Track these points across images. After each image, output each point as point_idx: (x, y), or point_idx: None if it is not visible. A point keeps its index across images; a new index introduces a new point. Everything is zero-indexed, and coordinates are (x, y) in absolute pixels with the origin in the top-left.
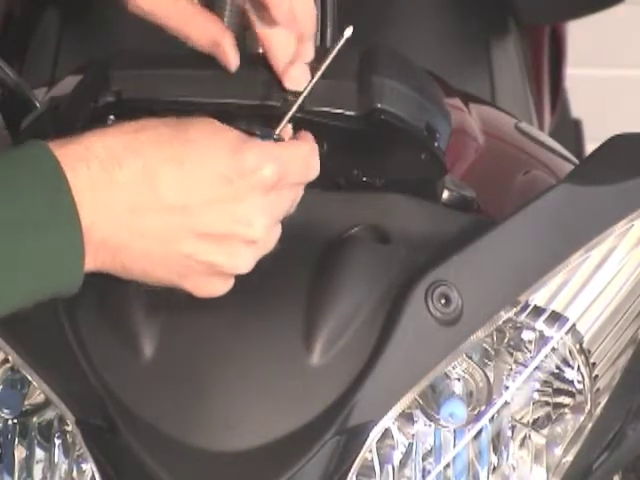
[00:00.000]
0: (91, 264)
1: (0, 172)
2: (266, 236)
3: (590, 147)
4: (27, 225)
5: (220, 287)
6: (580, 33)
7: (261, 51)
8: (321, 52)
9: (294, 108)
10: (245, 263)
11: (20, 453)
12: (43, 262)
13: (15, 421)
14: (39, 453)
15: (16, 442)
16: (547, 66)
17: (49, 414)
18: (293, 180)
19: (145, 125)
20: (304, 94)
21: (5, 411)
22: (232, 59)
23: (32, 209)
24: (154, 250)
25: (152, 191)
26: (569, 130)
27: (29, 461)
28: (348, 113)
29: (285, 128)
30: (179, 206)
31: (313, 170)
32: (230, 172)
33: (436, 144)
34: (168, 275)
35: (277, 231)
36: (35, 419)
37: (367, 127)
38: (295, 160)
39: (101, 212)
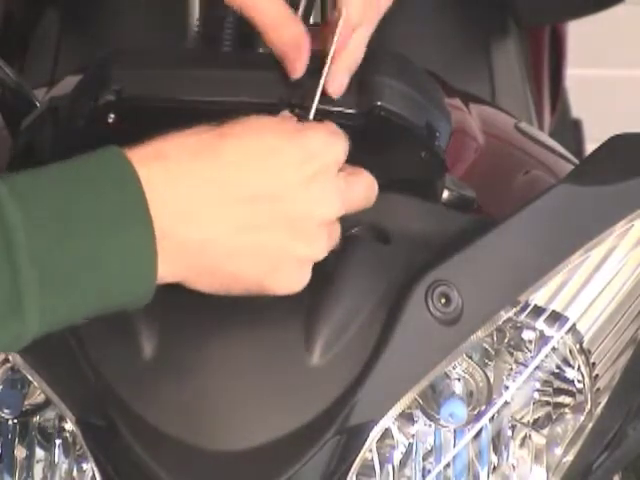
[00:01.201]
0: (169, 270)
1: (68, 172)
2: (330, 236)
3: (590, 147)
4: (94, 225)
5: (304, 278)
6: (580, 33)
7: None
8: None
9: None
10: (324, 249)
11: (20, 453)
12: (108, 265)
13: (15, 421)
14: (39, 453)
15: (16, 442)
16: (547, 66)
17: (49, 414)
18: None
19: (208, 127)
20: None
21: (5, 411)
22: (302, 66)
23: (100, 208)
24: (244, 243)
25: (231, 182)
26: (569, 130)
27: (29, 461)
28: (348, 111)
29: None
30: (258, 194)
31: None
32: (299, 156)
33: (436, 143)
34: (257, 273)
35: (334, 240)
36: (35, 419)
37: (367, 125)
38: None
39: (180, 207)
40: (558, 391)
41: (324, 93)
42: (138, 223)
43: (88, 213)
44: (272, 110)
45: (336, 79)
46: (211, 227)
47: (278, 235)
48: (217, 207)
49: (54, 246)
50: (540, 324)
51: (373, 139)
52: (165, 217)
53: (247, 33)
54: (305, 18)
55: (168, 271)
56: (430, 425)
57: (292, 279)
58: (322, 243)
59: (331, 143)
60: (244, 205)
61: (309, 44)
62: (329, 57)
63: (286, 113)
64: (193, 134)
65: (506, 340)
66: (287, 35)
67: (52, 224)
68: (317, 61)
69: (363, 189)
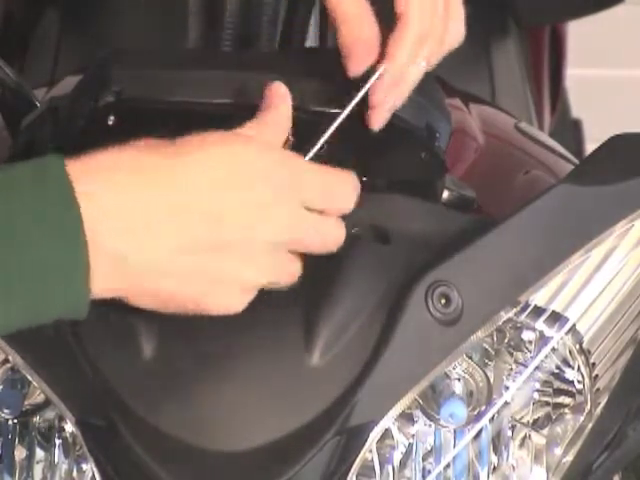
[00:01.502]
0: (103, 287)
1: (10, 177)
2: (281, 263)
3: (590, 147)
4: (25, 234)
5: (245, 299)
6: (580, 33)
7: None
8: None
9: (325, 136)
10: (266, 274)
11: (20, 453)
12: (39, 277)
13: (15, 421)
14: (39, 453)
15: (16, 442)
16: (547, 66)
17: (49, 414)
18: (315, 204)
19: (162, 143)
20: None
21: (5, 411)
22: (363, 66)
23: (33, 218)
24: (182, 265)
25: (177, 200)
26: (569, 130)
27: (29, 461)
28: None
29: None
30: (203, 213)
31: (347, 203)
32: (252, 178)
33: (436, 144)
34: (194, 293)
35: (293, 266)
36: (35, 419)
37: (367, 126)
38: (337, 182)
39: (119, 220)
40: (558, 391)
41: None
42: (71, 235)
43: (20, 222)
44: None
45: (380, 119)
46: (150, 247)
47: (217, 257)
48: (158, 227)
49: None
50: (540, 324)
51: (373, 140)
52: (104, 232)
53: (247, 33)
54: (303, 26)
55: (105, 287)
56: (430, 425)
57: (231, 301)
58: (267, 268)
59: (287, 166)
60: (186, 226)
61: (377, 50)
62: (361, 92)
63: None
64: (144, 149)
65: (506, 340)
66: (361, 33)
67: None
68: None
69: (329, 229)
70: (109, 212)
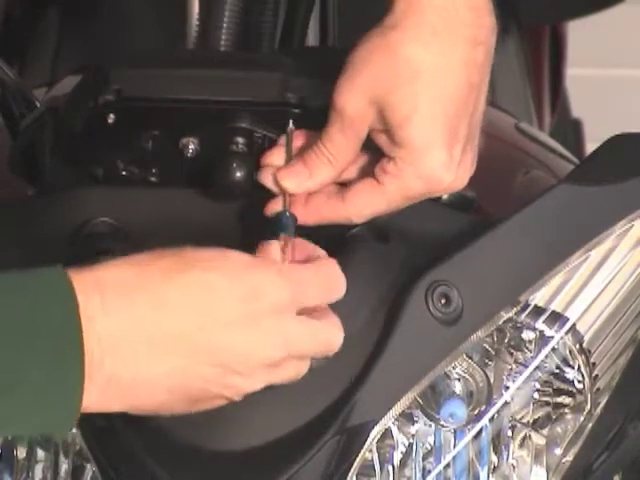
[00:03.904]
0: (96, 401)
1: (13, 286)
2: (285, 365)
3: (590, 147)
4: (25, 346)
5: (224, 402)
6: (580, 33)
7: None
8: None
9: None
10: (253, 387)
11: (20, 453)
12: (31, 385)
13: None
14: (39, 453)
15: (16, 442)
16: (547, 66)
17: None
18: (311, 302)
19: (153, 256)
20: None
21: None
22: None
23: (37, 328)
24: (173, 381)
25: (168, 320)
26: (569, 130)
27: (29, 461)
28: None
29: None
30: (195, 331)
31: (337, 290)
32: (242, 295)
33: None
34: (182, 405)
35: (300, 366)
36: None
37: None
38: (313, 281)
39: (113, 343)
40: (558, 391)
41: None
42: (69, 347)
43: (19, 328)
44: (271, 109)
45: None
46: (139, 369)
47: (209, 372)
48: (148, 348)
49: None
50: (540, 324)
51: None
52: (96, 353)
53: (247, 33)
54: (303, 26)
55: (94, 402)
56: (430, 425)
57: (219, 403)
58: (256, 380)
59: (280, 284)
60: (176, 346)
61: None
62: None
63: (235, 255)
64: (136, 265)
65: (506, 340)
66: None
67: None
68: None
69: (324, 335)
70: (99, 330)
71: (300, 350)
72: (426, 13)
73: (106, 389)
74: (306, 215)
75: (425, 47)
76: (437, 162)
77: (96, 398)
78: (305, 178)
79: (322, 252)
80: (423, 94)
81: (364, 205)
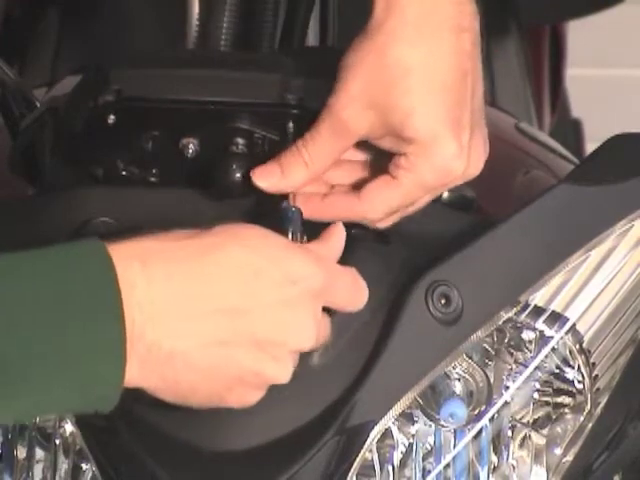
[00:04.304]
0: (135, 374)
1: (49, 260)
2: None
3: (590, 147)
4: (67, 318)
5: (258, 396)
6: (580, 33)
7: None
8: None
9: None
10: (288, 374)
11: (20, 453)
12: (77, 360)
13: None
14: (39, 453)
15: (16, 442)
16: (547, 66)
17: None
18: (337, 301)
19: (197, 233)
20: None
21: None
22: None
23: (76, 302)
24: (210, 358)
25: (209, 294)
26: (569, 130)
27: (29, 461)
28: None
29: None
30: (235, 310)
31: (360, 299)
32: (280, 279)
33: None
34: (215, 389)
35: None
36: (35, 419)
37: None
38: (342, 281)
39: (154, 311)
40: (558, 391)
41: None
42: (111, 320)
43: (61, 304)
44: (271, 109)
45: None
46: (179, 339)
47: (244, 356)
48: (188, 320)
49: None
50: (540, 324)
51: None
52: (137, 321)
53: (247, 33)
54: (303, 26)
55: (134, 374)
56: (430, 425)
57: (247, 397)
58: (287, 369)
59: (316, 270)
60: (215, 321)
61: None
62: None
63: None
64: (179, 239)
65: (506, 340)
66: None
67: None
68: None
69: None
70: (141, 301)
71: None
72: (406, 11)
73: (146, 359)
74: (322, 211)
75: (411, 44)
76: (448, 152)
77: (137, 369)
78: (278, 178)
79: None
80: (418, 90)
81: (380, 201)
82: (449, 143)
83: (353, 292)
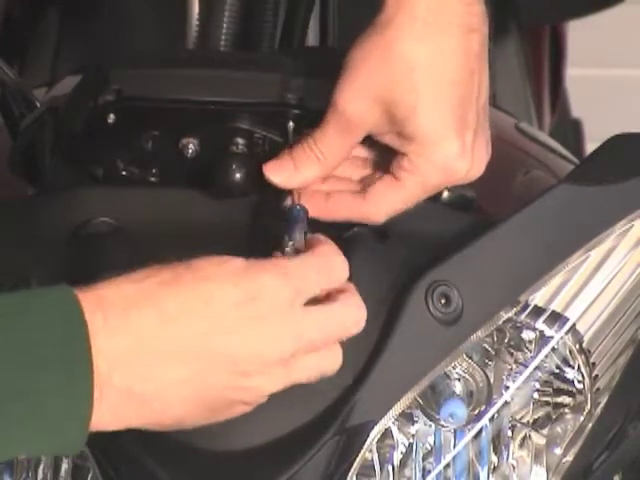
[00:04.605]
0: (108, 420)
1: (23, 306)
2: (302, 360)
3: (590, 147)
4: (38, 361)
5: (248, 409)
6: (580, 33)
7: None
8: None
9: None
10: (276, 386)
11: None
12: (44, 401)
13: None
14: None
15: None
16: (547, 66)
17: None
18: (314, 290)
19: (150, 272)
20: None
21: None
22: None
23: (46, 347)
24: (186, 392)
25: (172, 330)
26: (569, 130)
27: (29, 461)
28: None
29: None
30: (202, 340)
31: (339, 272)
32: (245, 297)
33: None
34: (201, 416)
35: (330, 356)
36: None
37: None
38: (312, 269)
39: (119, 357)
40: (558, 391)
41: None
42: (78, 363)
43: (27, 351)
44: (271, 109)
45: None
46: (149, 383)
47: (222, 378)
48: (154, 364)
49: None
50: (540, 324)
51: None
52: (102, 365)
53: (247, 33)
54: (303, 26)
55: (106, 420)
56: (430, 425)
57: (238, 410)
58: (278, 380)
59: (279, 284)
60: (181, 358)
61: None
62: None
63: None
64: (134, 281)
65: (506, 340)
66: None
67: None
68: None
69: (338, 318)
70: (106, 348)
71: (315, 340)
72: (416, 7)
73: (118, 404)
74: (326, 211)
75: (419, 41)
76: (451, 152)
77: (109, 415)
78: (291, 173)
79: (322, 238)
80: (423, 86)
81: (384, 203)
82: (452, 142)
83: (326, 273)
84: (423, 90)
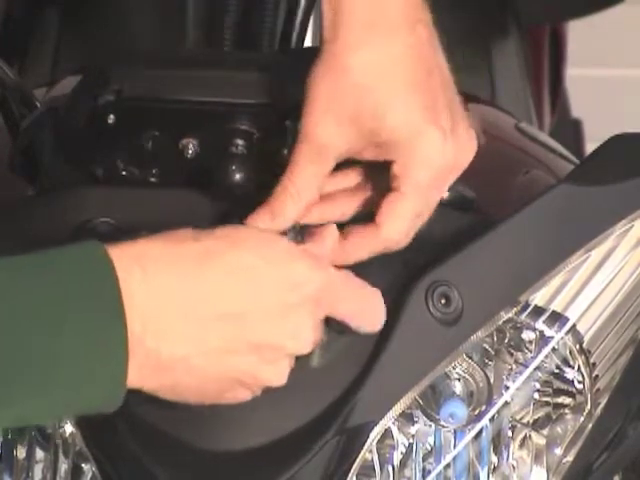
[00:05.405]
0: (134, 377)
1: (49, 263)
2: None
3: (590, 147)
4: (68, 320)
5: (248, 397)
6: (580, 33)
7: None
8: None
9: None
10: (284, 376)
11: (20, 453)
12: (79, 362)
13: None
14: (39, 453)
15: (16, 442)
16: (547, 66)
17: None
18: (341, 312)
19: (197, 236)
20: None
21: None
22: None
23: (76, 304)
24: (209, 363)
25: (209, 299)
26: (569, 130)
27: (29, 461)
28: None
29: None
30: (235, 315)
31: (375, 319)
32: (282, 284)
33: None
34: (216, 391)
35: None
36: None
37: None
38: (349, 289)
39: (154, 318)
40: (558, 391)
41: None
42: (112, 321)
43: (61, 305)
44: (271, 110)
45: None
46: (179, 346)
47: (242, 360)
48: (188, 327)
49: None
50: (540, 324)
51: None
52: (136, 328)
53: (247, 33)
54: (303, 26)
55: (133, 378)
56: (430, 425)
57: (240, 397)
58: (283, 373)
59: (316, 275)
60: (215, 327)
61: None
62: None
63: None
64: (179, 242)
65: (506, 340)
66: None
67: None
68: None
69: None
70: (141, 306)
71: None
72: (353, 15)
73: (144, 364)
74: (347, 255)
75: (366, 46)
76: (431, 142)
77: (135, 373)
78: (275, 222)
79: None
80: (383, 89)
81: (398, 218)
82: (430, 133)
83: (360, 305)
84: (384, 92)
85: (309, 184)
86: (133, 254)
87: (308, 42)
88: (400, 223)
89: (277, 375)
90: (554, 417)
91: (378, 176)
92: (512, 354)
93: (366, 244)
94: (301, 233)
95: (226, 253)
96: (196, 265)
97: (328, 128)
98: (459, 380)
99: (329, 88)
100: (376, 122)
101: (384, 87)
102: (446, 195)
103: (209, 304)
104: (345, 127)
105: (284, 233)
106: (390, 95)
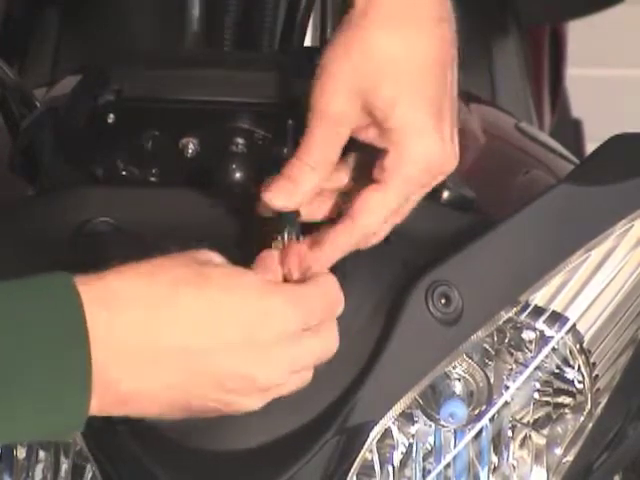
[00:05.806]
0: (97, 405)
1: (16, 293)
2: (286, 383)
3: (590, 147)
4: (32, 348)
5: (231, 412)
6: (580, 33)
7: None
8: None
9: None
10: (255, 405)
11: (20, 453)
12: (44, 387)
13: None
14: (39, 453)
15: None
16: (547, 66)
17: None
18: (315, 322)
19: (163, 266)
20: None
21: None
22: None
23: (41, 331)
24: (173, 397)
25: (174, 333)
26: (569, 130)
27: (29, 461)
28: None
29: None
30: (199, 350)
31: (338, 306)
32: (253, 317)
33: None
34: (180, 415)
35: (303, 377)
36: None
37: None
38: (317, 301)
39: (117, 351)
40: (558, 391)
41: None
42: (78, 349)
43: (27, 333)
44: (271, 109)
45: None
46: (142, 379)
47: (210, 393)
48: (152, 360)
49: None
50: (540, 324)
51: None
52: (100, 357)
53: (247, 33)
54: (303, 26)
55: (95, 405)
56: (430, 425)
57: (221, 413)
58: (255, 402)
59: (289, 313)
60: (179, 361)
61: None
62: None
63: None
64: (145, 275)
65: (506, 340)
66: (305, 170)
67: None
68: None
69: (321, 350)
70: (105, 341)
71: (304, 366)
72: (386, 1)
73: (105, 394)
74: (327, 258)
75: (393, 34)
76: (430, 145)
77: (97, 402)
78: (291, 192)
79: (318, 260)
80: (402, 80)
81: (373, 212)
82: (431, 135)
83: (329, 305)
84: (402, 83)
85: (325, 155)
86: (100, 290)
87: (308, 42)
88: (379, 213)
89: (249, 404)
90: (554, 417)
91: (366, 179)
92: (512, 354)
93: (342, 241)
94: (297, 237)
95: (193, 286)
96: (161, 300)
97: (342, 101)
98: (459, 380)
99: (348, 62)
100: (387, 106)
101: (403, 75)
102: (446, 195)
103: (172, 340)
104: (356, 101)
105: (280, 232)
106: (407, 85)
